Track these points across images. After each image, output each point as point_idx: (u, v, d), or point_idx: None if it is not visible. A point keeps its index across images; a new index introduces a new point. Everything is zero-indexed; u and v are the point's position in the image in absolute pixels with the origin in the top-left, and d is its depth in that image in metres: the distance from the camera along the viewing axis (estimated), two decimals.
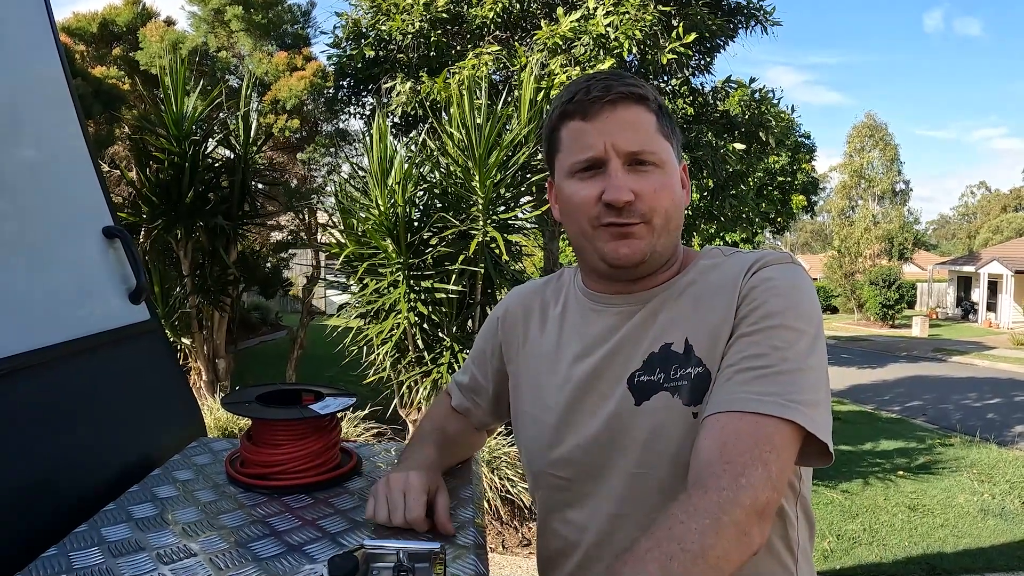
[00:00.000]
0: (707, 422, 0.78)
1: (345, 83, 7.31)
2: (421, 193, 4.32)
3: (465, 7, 6.42)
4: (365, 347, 4.31)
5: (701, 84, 7.19)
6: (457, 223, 4.03)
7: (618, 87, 0.86)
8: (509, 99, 4.59)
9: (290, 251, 9.29)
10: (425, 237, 4.13)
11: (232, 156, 5.17)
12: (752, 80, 7.01)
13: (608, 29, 5.53)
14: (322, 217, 7.59)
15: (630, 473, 0.88)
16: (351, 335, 4.34)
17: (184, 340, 5.08)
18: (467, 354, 4.02)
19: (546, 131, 0.95)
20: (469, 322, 4.33)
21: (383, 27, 6.53)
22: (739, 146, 6.68)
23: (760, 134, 6.97)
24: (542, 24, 5.94)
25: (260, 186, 5.93)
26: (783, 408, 0.75)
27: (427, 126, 5.06)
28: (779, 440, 0.74)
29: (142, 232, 4.71)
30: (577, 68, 5.58)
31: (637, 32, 5.45)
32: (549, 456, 0.96)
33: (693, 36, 5.73)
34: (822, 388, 0.80)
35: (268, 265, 8.48)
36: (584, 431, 0.92)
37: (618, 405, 0.89)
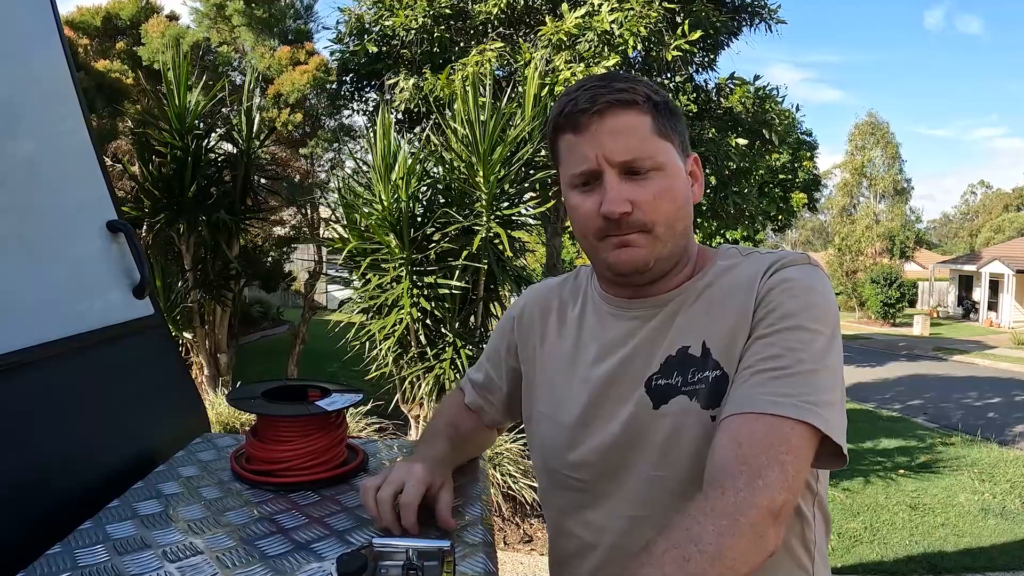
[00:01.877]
0: (723, 423, 0.77)
1: (348, 79, 7.29)
2: (424, 188, 4.31)
3: (469, 3, 6.40)
4: (367, 343, 4.30)
5: (704, 81, 7.17)
6: (460, 219, 4.02)
7: (605, 96, 0.84)
8: (513, 95, 4.57)
9: (292, 246, 9.29)
10: (428, 233, 4.12)
11: (234, 151, 5.16)
12: (756, 78, 6.98)
13: (613, 26, 5.51)
14: (324, 212, 7.58)
15: (648, 475, 0.87)
16: (353, 330, 4.33)
17: (186, 335, 5.08)
18: (469, 350, 4.05)
19: (548, 142, 0.95)
20: (472, 318, 4.33)
21: (386, 23, 6.51)
22: (742, 141, 6.66)
23: (763, 132, 6.95)
24: (546, 20, 5.92)
25: (262, 181, 5.92)
26: (798, 410, 0.74)
27: (431, 122, 5.05)
28: (796, 442, 0.73)
29: (144, 226, 4.71)
30: (582, 64, 5.56)
31: (642, 29, 5.43)
32: (567, 457, 0.95)
33: (699, 34, 5.70)
34: (837, 389, 0.80)
35: (270, 260, 8.48)
36: (603, 434, 0.91)
37: (636, 408, 0.88)
